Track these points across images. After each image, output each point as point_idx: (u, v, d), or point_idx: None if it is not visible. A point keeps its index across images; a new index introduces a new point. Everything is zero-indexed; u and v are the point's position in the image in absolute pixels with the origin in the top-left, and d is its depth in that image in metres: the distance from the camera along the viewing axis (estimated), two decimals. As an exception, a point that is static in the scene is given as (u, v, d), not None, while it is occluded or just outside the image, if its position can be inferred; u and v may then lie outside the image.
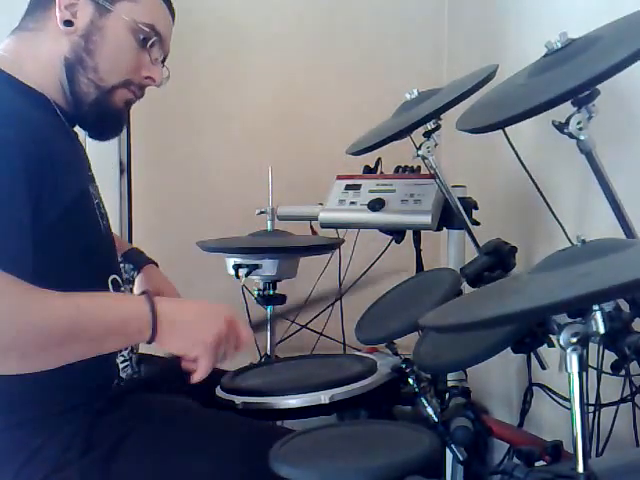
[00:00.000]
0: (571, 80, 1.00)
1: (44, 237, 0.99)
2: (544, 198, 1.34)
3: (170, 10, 1.22)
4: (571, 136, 1.08)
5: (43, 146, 1.02)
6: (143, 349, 1.45)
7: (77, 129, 1.22)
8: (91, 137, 1.23)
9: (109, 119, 1.19)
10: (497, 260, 1.23)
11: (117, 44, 1.14)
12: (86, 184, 1.14)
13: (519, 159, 1.33)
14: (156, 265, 1.47)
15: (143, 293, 1.02)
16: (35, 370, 0.93)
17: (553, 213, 1.33)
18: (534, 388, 1.57)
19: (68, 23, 1.11)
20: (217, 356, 1.02)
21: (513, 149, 1.32)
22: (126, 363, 1.18)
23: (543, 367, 1.24)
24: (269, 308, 1.85)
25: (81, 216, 1.10)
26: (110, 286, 1.16)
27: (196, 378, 1.02)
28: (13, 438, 1.05)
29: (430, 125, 1.42)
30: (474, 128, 1.17)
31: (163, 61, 1.22)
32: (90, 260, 1.12)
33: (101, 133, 1.22)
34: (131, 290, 1.39)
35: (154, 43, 1.17)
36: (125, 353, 1.18)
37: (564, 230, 1.32)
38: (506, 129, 1.23)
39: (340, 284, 2.07)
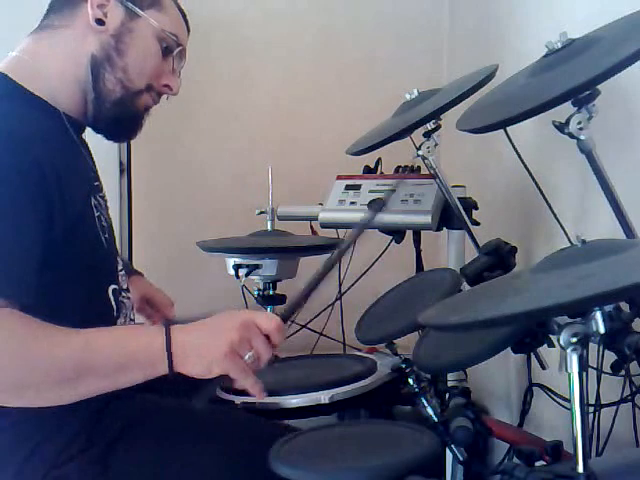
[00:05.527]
0: (571, 80, 1.00)
1: (47, 253, 1.00)
2: (544, 197, 1.33)
3: (187, 26, 1.25)
4: (571, 136, 1.08)
5: (51, 163, 1.02)
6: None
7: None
8: (107, 138, 1.23)
9: (129, 121, 1.20)
10: (497, 260, 1.23)
11: (145, 48, 1.16)
12: (89, 197, 1.14)
13: (520, 159, 1.33)
14: (142, 275, 1.47)
15: (165, 323, 0.99)
16: (53, 404, 0.96)
17: (553, 212, 1.33)
18: (534, 388, 1.57)
19: (100, 22, 1.13)
20: (244, 365, 0.96)
21: (514, 148, 1.32)
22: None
23: (543, 367, 1.24)
24: (269, 308, 1.85)
25: (81, 233, 1.09)
26: (111, 296, 1.16)
27: (257, 395, 0.99)
28: (14, 435, 1.05)
29: (430, 125, 1.42)
30: (474, 128, 1.17)
31: None
32: (90, 273, 1.11)
33: (117, 134, 1.24)
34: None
35: (177, 53, 1.19)
36: None
37: (564, 230, 1.32)
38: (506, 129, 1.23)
39: (340, 284, 2.07)
